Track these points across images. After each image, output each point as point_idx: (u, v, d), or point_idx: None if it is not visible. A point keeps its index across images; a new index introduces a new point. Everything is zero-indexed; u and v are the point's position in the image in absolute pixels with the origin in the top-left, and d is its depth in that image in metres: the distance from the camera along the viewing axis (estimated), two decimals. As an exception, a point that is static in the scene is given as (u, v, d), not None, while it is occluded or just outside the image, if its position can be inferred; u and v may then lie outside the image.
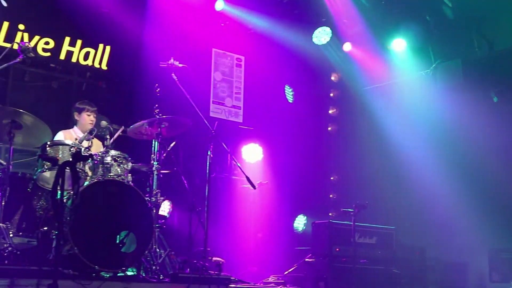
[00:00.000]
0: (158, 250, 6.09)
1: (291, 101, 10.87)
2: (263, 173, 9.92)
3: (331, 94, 11.29)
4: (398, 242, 8.43)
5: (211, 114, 9.68)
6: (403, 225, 8.80)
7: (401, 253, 8.46)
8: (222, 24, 9.93)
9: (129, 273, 5.77)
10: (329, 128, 11.24)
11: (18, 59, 6.17)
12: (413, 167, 9.72)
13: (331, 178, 11.10)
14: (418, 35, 10.18)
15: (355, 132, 10.90)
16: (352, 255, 7.52)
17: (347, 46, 10.72)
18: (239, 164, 6.98)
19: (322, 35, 10.39)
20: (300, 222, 10.23)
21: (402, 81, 10.55)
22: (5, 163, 6.01)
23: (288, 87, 10.89)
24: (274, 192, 9.77)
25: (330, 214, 10.57)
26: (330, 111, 11.28)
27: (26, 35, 8.20)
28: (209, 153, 6.51)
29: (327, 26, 10.32)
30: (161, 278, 5.80)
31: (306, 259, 8.00)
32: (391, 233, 8.44)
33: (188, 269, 6.06)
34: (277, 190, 9.86)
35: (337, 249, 7.91)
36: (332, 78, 11.26)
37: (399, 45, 10.36)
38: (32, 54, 6.22)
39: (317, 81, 11.08)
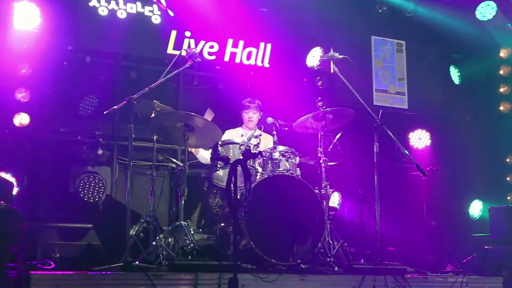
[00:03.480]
0: (331, 242, 6.14)
1: (457, 83, 10.43)
2: (433, 159, 9.62)
3: (501, 72, 10.65)
4: None
5: (375, 103, 9.53)
6: None
7: None
8: (380, 10, 9.76)
9: (304, 266, 5.86)
10: (501, 108, 10.62)
11: (186, 65, 6.50)
12: None
13: (507, 160, 10.49)
14: None
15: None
16: (537, 241, 7.12)
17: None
18: (407, 152, 6.81)
19: (486, 10, 9.86)
20: (476, 208, 9.77)
21: None
22: (181, 164, 6.38)
23: (454, 68, 10.45)
24: (445, 178, 9.44)
25: (508, 198, 10.00)
26: (501, 90, 10.66)
27: (192, 41, 8.62)
28: (375, 142, 6.44)
29: (491, 0, 9.79)
30: (336, 269, 5.84)
31: (486, 247, 7.65)
32: None
33: (362, 260, 6.04)
34: (448, 176, 9.51)
35: (519, 235, 7.49)
36: (501, 54, 10.62)
37: None
38: (199, 59, 6.53)
39: (484, 59, 10.50)
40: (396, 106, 9.79)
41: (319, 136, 6.51)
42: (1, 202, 4.48)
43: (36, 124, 7.64)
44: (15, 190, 4.98)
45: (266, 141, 7.04)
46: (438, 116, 10.00)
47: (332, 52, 6.66)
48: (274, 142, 6.52)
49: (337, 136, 6.75)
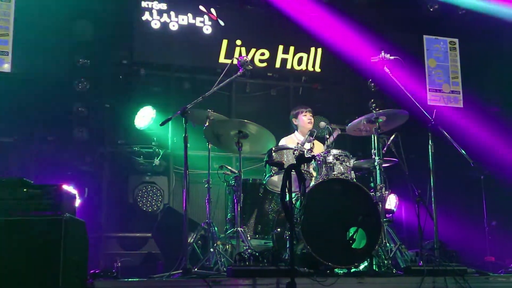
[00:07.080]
0: (388, 244, 6.09)
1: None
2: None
3: None
4: None
5: (429, 103, 9.42)
6: None
7: None
8: (431, 9, 9.64)
9: (361, 269, 5.83)
10: None
11: (238, 73, 6.55)
12: None
13: None
14: None
15: None
16: None
17: None
18: (463, 151, 6.70)
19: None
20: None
21: None
22: (236, 171, 6.44)
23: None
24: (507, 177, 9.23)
25: None
26: None
27: (243, 49, 8.73)
28: (430, 142, 6.38)
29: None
30: (394, 272, 5.80)
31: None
32: None
33: (421, 262, 5.97)
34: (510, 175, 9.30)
35: None
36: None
37: None
38: (250, 67, 6.57)
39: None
40: (451, 105, 9.66)
41: (373, 138, 6.48)
42: (66, 213, 4.63)
43: (95, 137, 7.87)
44: (77, 202, 5.14)
45: (319, 148, 7.02)
46: (495, 114, 9.79)
47: (383, 53, 6.64)
48: (328, 146, 6.51)
49: (391, 138, 6.69)
